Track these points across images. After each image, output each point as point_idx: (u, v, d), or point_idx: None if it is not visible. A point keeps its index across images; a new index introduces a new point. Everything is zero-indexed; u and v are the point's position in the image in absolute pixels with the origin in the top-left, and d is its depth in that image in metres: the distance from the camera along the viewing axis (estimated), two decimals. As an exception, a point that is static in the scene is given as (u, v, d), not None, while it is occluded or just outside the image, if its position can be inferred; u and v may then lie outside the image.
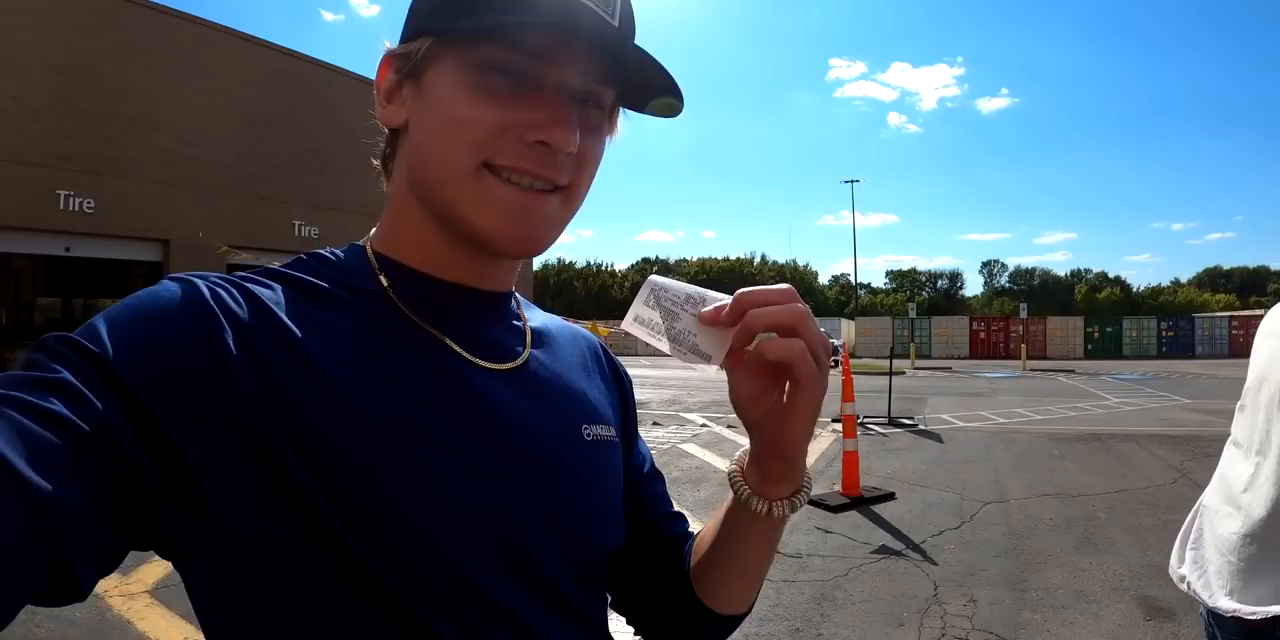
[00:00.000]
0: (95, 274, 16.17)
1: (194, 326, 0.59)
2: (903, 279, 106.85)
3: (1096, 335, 44.59)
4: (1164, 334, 43.78)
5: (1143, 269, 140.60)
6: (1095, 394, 18.87)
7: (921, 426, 12.38)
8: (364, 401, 0.62)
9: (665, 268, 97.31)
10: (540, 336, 0.85)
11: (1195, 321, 44.10)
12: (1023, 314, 45.49)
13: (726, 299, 0.71)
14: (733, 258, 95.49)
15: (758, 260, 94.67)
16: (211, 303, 0.61)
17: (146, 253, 15.61)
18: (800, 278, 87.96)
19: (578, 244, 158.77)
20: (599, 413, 0.84)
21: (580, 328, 0.96)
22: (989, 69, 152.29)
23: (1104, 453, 9.76)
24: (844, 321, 48.24)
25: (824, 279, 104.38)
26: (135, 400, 0.54)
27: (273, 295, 0.66)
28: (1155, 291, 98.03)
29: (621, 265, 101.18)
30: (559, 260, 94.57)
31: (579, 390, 0.83)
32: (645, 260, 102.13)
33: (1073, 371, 29.14)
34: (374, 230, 0.79)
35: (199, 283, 0.63)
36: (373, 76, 0.78)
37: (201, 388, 0.56)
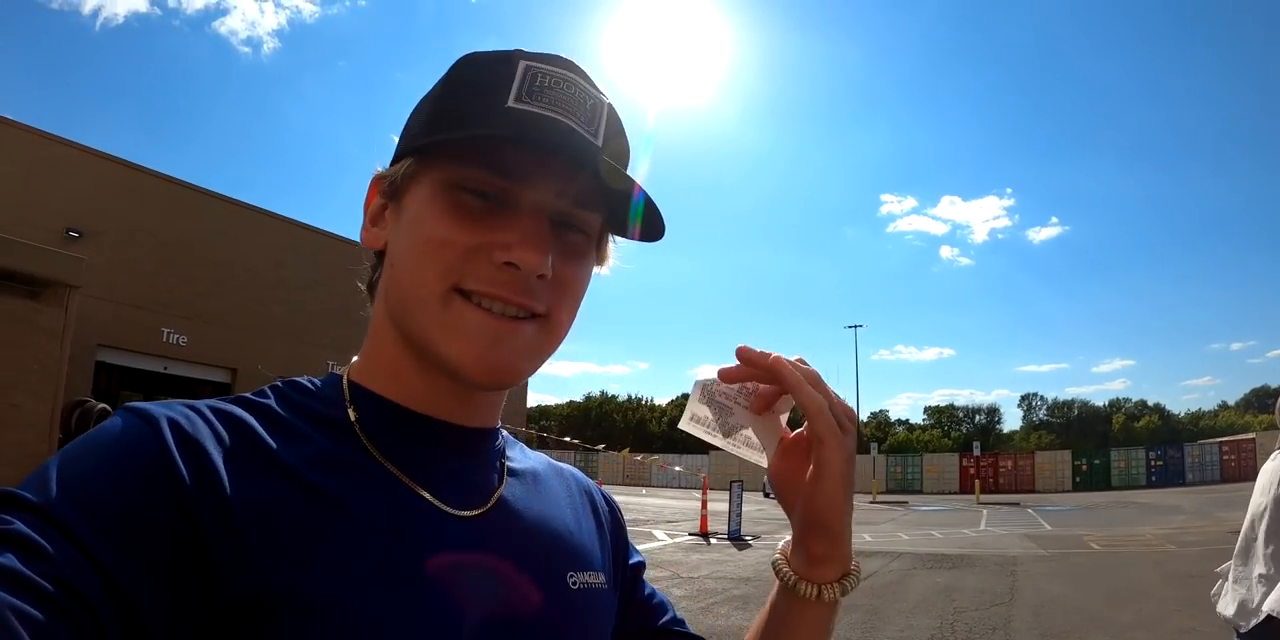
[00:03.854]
0: (182, 387, 21.48)
1: (149, 467, 0.54)
2: (940, 414, 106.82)
3: (1084, 468, 45.23)
4: (1153, 464, 43.54)
5: (1204, 392, 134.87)
6: (983, 521, 22.54)
7: (750, 540, 16.17)
8: (313, 547, 0.57)
9: None
10: (521, 477, 0.79)
11: (1184, 450, 44.10)
12: (976, 451, 47.12)
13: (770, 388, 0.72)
14: None
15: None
16: (167, 436, 0.56)
17: (220, 376, 20.97)
18: None
19: (633, 375, 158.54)
20: (587, 558, 0.78)
21: (571, 468, 0.92)
22: (1037, 199, 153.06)
23: (923, 568, 12.62)
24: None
25: (863, 416, 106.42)
26: (87, 550, 0.48)
27: (231, 427, 0.61)
28: (1195, 417, 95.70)
29: (662, 400, 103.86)
30: (602, 392, 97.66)
31: (564, 534, 0.77)
32: (685, 395, 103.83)
33: (1017, 504, 31.81)
34: (355, 358, 0.75)
35: (156, 415, 0.58)
36: None
37: (148, 529, 0.51)
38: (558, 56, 0.71)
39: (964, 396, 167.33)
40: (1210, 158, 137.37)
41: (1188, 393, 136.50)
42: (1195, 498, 29.34)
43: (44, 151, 17.29)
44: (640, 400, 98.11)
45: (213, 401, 0.64)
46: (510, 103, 0.67)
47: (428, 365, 0.69)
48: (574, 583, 0.74)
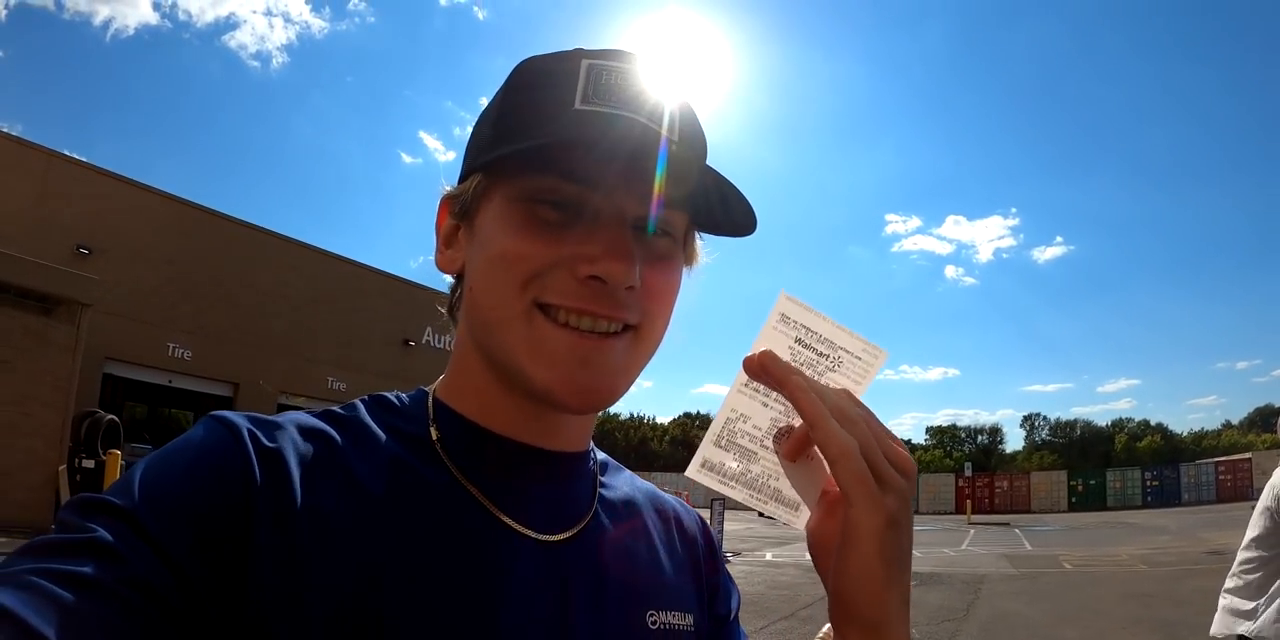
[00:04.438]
0: (186, 400, 22.13)
1: (229, 476, 0.55)
2: (942, 435, 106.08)
3: (1080, 488, 44.89)
4: (1148, 484, 43.07)
5: (1210, 412, 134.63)
6: (967, 540, 22.78)
7: (729, 556, 16.17)
8: (380, 565, 0.57)
9: (705, 422, 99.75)
10: (613, 505, 0.76)
11: (1180, 469, 43.54)
12: (967, 471, 47.07)
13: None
14: None
15: None
16: (250, 448, 0.57)
17: (222, 390, 21.66)
18: None
19: (638, 394, 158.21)
20: (673, 597, 0.73)
21: (676, 500, 0.87)
22: (1042, 218, 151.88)
23: None
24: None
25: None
26: (166, 554, 0.50)
27: (313, 441, 0.61)
28: (1198, 436, 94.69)
29: (665, 418, 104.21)
30: (604, 410, 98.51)
31: (651, 570, 0.73)
32: (687, 414, 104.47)
33: (1007, 524, 31.88)
34: (442, 376, 0.74)
35: (239, 425, 0.59)
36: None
37: (228, 544, 0.52)
38: (619, 51, 0.67)
39: (969, 416, 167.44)
40: (1214, 176, 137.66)
41: (1193, 412, 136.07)
42: (1186, 518, 29.54)
43: (56, 171, 18.02)
44: (643, 419, 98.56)
45: (297, 415, 0.65)
46: (577, 105, 0.63)
47: (512, 386, 0.66)
48: (654, 622, 0.70)
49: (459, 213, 0.70)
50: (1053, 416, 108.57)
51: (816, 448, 0.59)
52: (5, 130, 18.06)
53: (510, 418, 0.69)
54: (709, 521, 0.69)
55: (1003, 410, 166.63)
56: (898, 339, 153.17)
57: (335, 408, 0.69)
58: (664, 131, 0.65)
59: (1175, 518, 30.38)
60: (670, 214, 0.66)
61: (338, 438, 0.63)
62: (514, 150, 0.61)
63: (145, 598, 0.48)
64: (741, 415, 0.62)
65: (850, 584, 0.57)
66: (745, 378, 0.62)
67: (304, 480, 0.58)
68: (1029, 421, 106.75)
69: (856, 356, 0.64)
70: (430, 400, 0.71)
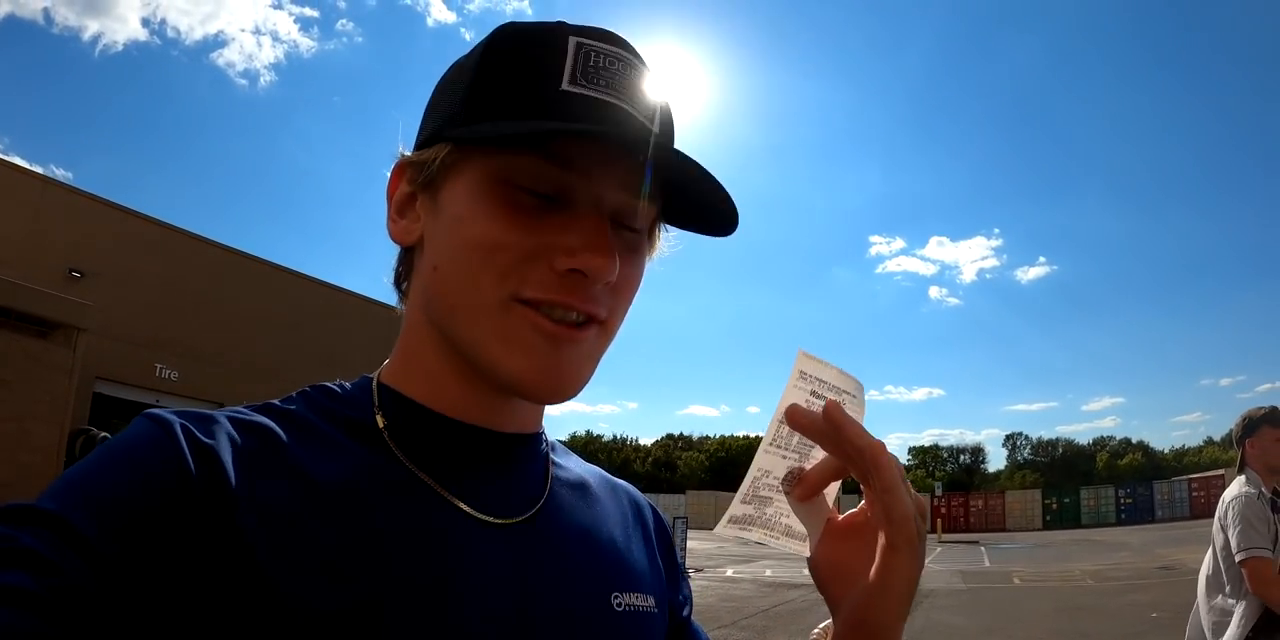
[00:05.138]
0: None
1: (160, 470, 0.53)
2: (925, 455, 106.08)
3: (1054, 507, 45.40)
4: (1122, 502, 43.76)
5: (1194, 428, 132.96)
6: (931, 557, 23.13)
7: (691, 572, 16.57)
8: (331, 556, 0.55)
9: (687, 444, 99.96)
10: (569, 488, 0.74)
11: (1154, 487, 44.15)
12: (938, 491, 47.39)
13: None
14: (751, 436, 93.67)
15: None
16: (183, 442, 0.54)
17: (208, 409, 22.24)
18: None
19: (621, 415, 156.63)
20: (635, 578, 0.72)
21: (627, 484, 0.86)
22: (1025, 238, 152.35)
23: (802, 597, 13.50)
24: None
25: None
26: (100, 557, 0.48)
27: (250, 433, 0.59)
28: (1180, 453, 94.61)
29: (647, 440, 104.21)
30: (588, 432, 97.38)
31: (612, 552, 0.72)
32: (669, 435, 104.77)
33: (976, 542, 32.34)
34: (387, 360, 0.72)
35: (173, 422, 0.56)
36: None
37: (165, 537, 0.50)
38: (605, 31, 0.64)
39: (954, 436, 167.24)
40: (1195, 194, 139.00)
41: (1178, 429, 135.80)
42: (1151, 535, 30.00)
43: (49, 197, 18.72)
44: (625, 440, 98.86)
45: (234, 409, 0.62)
46: (564, 85, 0.60)
47: (468, 370, 0.64)
48: (619, 604, 0.68)
49: (421, 182, 0.66)
50: (1036, 435, 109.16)
51: (829, 489, 0.67)
52: None
53: (462, 400, 0.67)
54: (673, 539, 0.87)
55: (988, 430, 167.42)
56: (882, 360, 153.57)
57: (274, 400, 0.66)
58: (646, 121, 0.64)
59: (1141, 534, 30.79)
60: (642, 205, 0.64)
61: (277, 428, 0.61)
62: (497, 133, 0.59)
63: (78, 604, 0.46)
64: (766, 472, 0.64)
65: (878, 617, 0.60)
66: (772, 437, 0.64)
67: (242, 473, 0.56)
68: (1011, 441, 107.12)
69: (853, 395, 0.67)
70: (375, 385, 0.69)
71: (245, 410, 0.63)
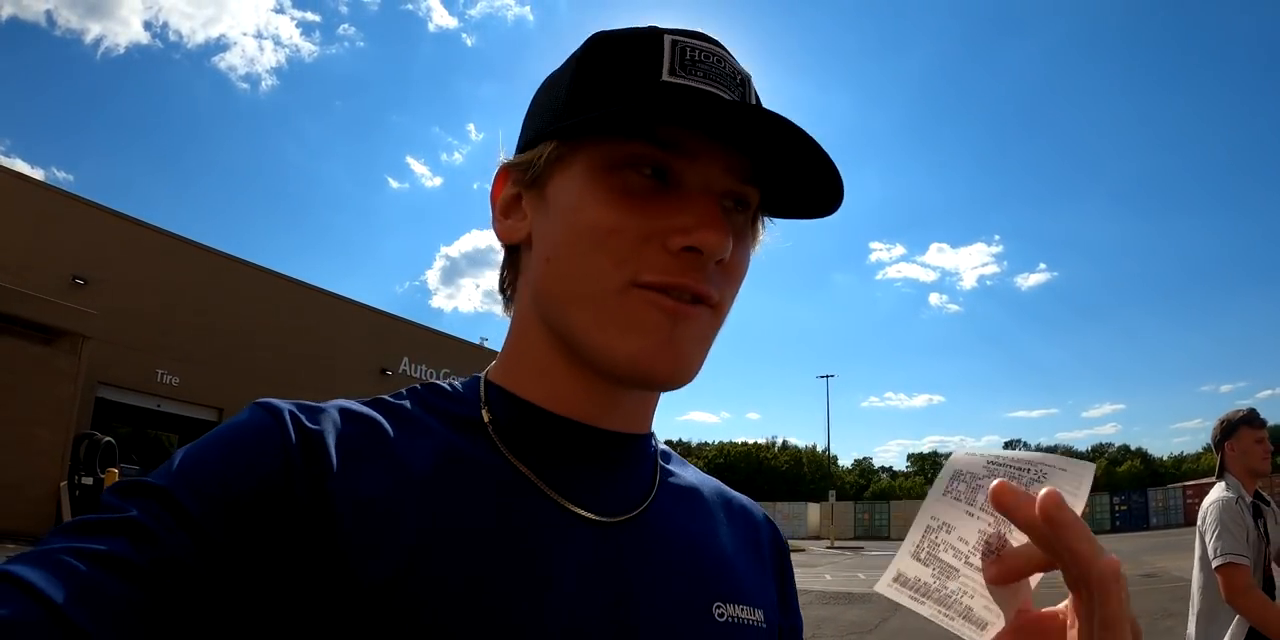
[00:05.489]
0: (172, 423, 22.93)
1: (266, 455, 0.54)
2: (923, 461, 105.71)
3: None
4: (1117, 509, 43.19)
5: (1195, 435, 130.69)
6: (831, 566, 24.11)
7: None
8: (427, 546, 0.55)
9: (685, 450, 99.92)
10: (676, 490, 0.73)
11: (1149, 494, 43.80)
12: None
13: (1024, 540, 0.50)
14: (750, 442, 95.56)
15: (778, 444, 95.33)
16: (290, 429, 0.56)
17: (207, 414, 22.63)
18: (819, 463, 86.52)
19: None
20: (742, 590, 0.69)
21: (745, 498, 0.82)
22: (1026, 245, 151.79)
23: (819, 603, 13.69)
24: (809, 505, 52.32)
25: (845, 463, 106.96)
26: (203, 533, 0.49)
27: (356, 424, 0.60)
28: (1178, 460, 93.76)
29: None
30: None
31: (716, 559, 0.69)
32: (669, 442, 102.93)
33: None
34: (495, 360, 0.72)
35: (282, 409, 0.58)
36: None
37: (264, 519, 0.52)
38: (700, 32, 0.65)
39: (954, 443, 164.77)
40: (1194, 201, 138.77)
41: (1179, 435, 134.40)
42: (1142, 542, 30.00)
43: (54, 205, 19.13)
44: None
45: (345, 401, 0.64)
46: (665, 77, 0.61)
47: (578, 366, 0.64)
48: (721, 615, 0.65)
49: (526, 181, 0.67)
50: (1035, 442, 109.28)
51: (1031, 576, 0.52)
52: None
53: (571, 397, 0.66)
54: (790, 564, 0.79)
55: (988, 436, 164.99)
56: (883, 366, 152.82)
57: (385, 395, 0.67)
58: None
59: (1133, 542, 30.90)
60: (746, 189, 0.64)
61: (383, 421, 0.62)
62: (605, 114, 0.59)
63: (176, 576, 0.47)
64: (944, 524, 0.53)
65: None
66: (947, 483, 0.53)
67: (346, 461, 0.57)
68: (1010, 448, 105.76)
69: (1062, 469, 0.51)
70: (483, 384, 0.69)
71: (354, 402, 0.64)
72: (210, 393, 22.20)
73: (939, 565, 0.54)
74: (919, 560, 0.54)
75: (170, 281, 21.28)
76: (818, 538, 47.76)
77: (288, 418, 0.58)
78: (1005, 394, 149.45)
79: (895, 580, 0.55)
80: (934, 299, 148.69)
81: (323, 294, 27.00)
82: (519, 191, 0.69)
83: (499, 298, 0.74)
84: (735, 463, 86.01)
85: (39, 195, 18.93)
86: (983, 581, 0.53)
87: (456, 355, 32.88)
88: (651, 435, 0.75)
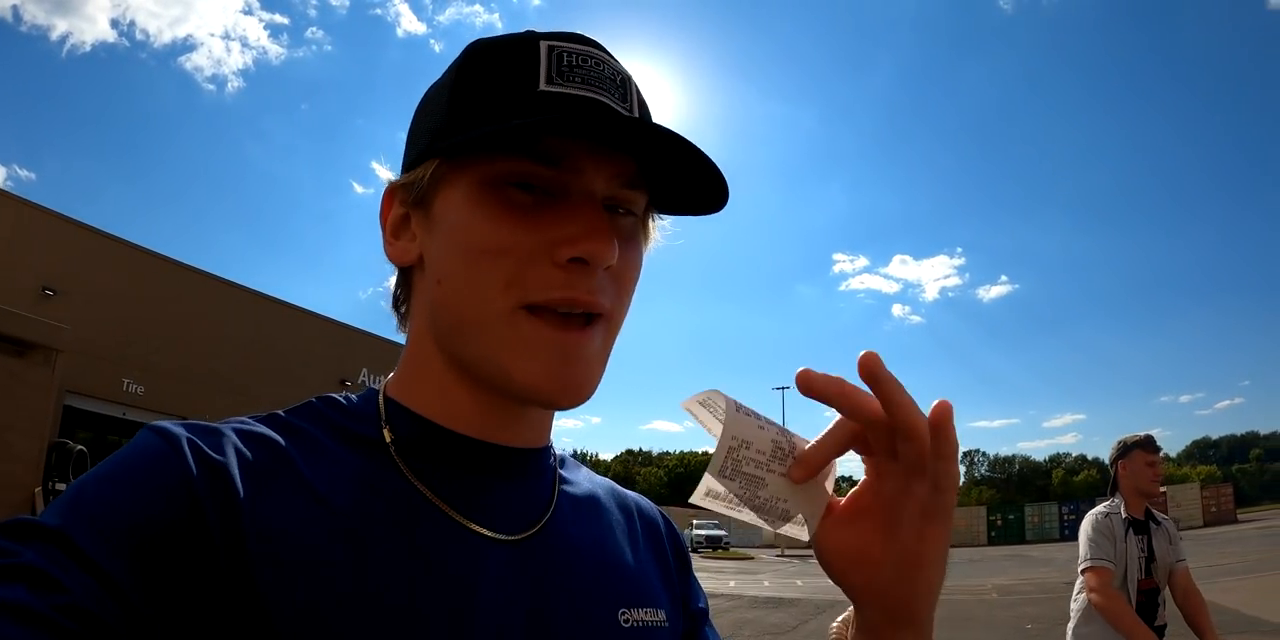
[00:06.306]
0: (135, 430, 23.68)
1: (168, 486, 0.52)
2: None
3: (999, 523, 46.13)
4: (1065, 518, 43.97)
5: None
6: (773, 573, 24.58)
7: None
8: (336, 575, 0.54)
9: (647, 459, 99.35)
10: (575, 501, 0.73)
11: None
12: None
13: (809, 443, 0.59)
14: (710, 452, 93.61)
15: None
16: (189, 457, 0.54)
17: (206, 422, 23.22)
18: None
19: (584, 430, 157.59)
20: (644, 593, 0.71)
21: (638, 496, 0.85)
22: (988, 257, 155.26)
23: (746, 608, 14.42)
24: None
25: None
26: (104, 575, 0.47)
27: (257, 447, 0.58)
28: None
29: (607, 455, 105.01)
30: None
31: (619, 567, 0.71)
32: (629, 451, 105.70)
33: None
34: (392, 373, 0.71)
35: (176, 434, 0.56)
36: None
37: (170, 556, 0.50)
38: (577, 34, 0.66)
39: None
40: (1153, 214, 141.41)
41: None
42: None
43: (24, 217, 19.50)
44: (585, 455, 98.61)
45: (240, 420, 0.62)
46: (542, 86, 0.61)
47: (476, 384, 0.64)
48: (626, 621, 0.67)
49: (413, 200, 0.66)
50: (994, 452, 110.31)
51: (827, 468, 0.59)
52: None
53: (470, 414, 0.66)
54: (687, 548, 0.84)
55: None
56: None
57: (279, 411, 0.65)
58: (626, 112, 0.63)
59: (1074, 550, 31.93)
60: (634, 194, 0.64)
61: (282, 442, 0.60)
62: (483, 133, 0.57)
63: (79, 622, 0.45)
64: (744, 442, 0.57)
65: (911, 598, 0.57)
66: (736, 405, 0.57)
67: (249, 488, 0.55)
68: (968, 458, 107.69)
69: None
70: (381, 399, 0.68)
71: (250, 421, 0.62)
72: (175, 402, 22.54)
73: (745, 479, 0.57)
74: (726, 476, 0.56)
75: (138, 293, 21.69)
76: (771, 546, 48.24)
77: (185, 444, 0.55)
78: (967, 404, 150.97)
79: (707, 494, 0.57)
80: (897, 310, 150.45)
81: (284, 306, 27.47)
82: (406, 212, 0.68)
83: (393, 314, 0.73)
84: (695, 472, 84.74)
85: (9, 207, 19.29)
86: (787, 484, 0.57)
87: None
88: (549, 447, 0.75)
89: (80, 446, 15.07)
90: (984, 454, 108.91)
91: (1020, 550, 36.32)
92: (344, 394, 0.70)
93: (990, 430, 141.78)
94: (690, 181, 0.65)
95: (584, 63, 0.63)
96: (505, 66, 0.63)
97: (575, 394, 0.62)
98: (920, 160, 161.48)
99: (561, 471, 0.76)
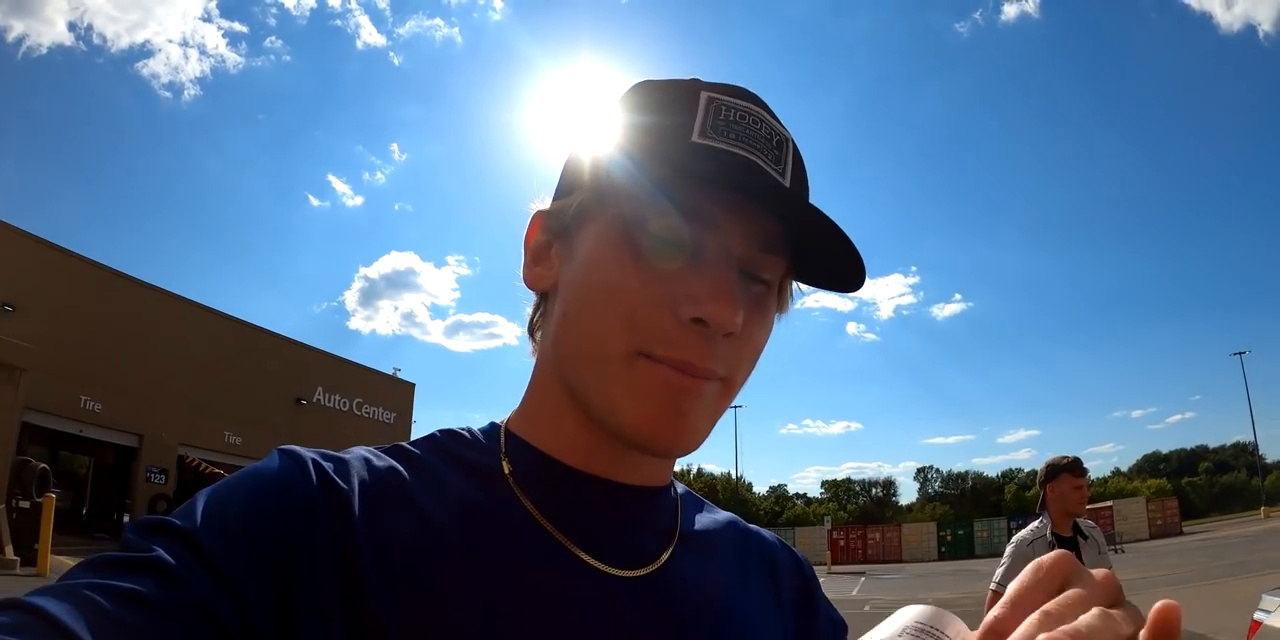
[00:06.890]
0: (94, 448, 23.21)
1: (290, 501, 0.55)
2: (837, 488, 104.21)
3: (949, 538, 46.46)
4: (1013, 532, 43.54)
5: (1107, 459, 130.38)
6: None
7: None
8: (448, 598, 0.55)
9: None
10: (692, 538, 0.72)
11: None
12: (827, 524, 49.25)
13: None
14: (678, 470, 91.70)
15: (693, 472, 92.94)
16: (313, 477, 0.56)
17: (128, 440, 23.16)
18: (734, 489, 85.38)
19: None
20: (754, 634, 0.70)
21: (763, 532, 0.83)
22: (941, 276, 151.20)
23: None
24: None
25: (760, 489, 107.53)
26: (226, 578, 0.49)
27: (379, 474, 0.60)
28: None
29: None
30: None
31: (733, 610, 0.69)
32: None
33: (863, 573, 33.82)
34: (516, 406, 0.72)
35: (305, 457, 0.59)
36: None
37: (291, 566, 0.52)
38: (740, 88, 0.66)
39: (872, 469, 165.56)
40: (1104, 232, 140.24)
41: (1092, 460, 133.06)
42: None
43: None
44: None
45: (364, 450, 0.64)
46: (695, 137, 0.61)
47: (590, 420, 0.63)
48: None
49: (556, 229, 0.67)
50: (948, 469, 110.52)
51: None
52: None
53: (588, 450, 0.66)
54: (817, 584, 0.82)
55: (905, 462, 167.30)
56: (800, 394, 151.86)
57: (405, 443, 0.67)
58: (776, 174, 0.63)
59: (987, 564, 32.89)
60: (769, 259, 0.63)
61: (404, 471, 0.62)
62: (629, 179, 0.60)
63: (198, 618, 0.47)
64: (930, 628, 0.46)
65: None
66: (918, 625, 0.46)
67: (369, 511, 0.57)
68: (922, 474, 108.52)
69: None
70: (503, 432, 0.69)
71: (375, 450, 0.65)
72: (132, 419, 22.67)
73: None
74: None
75: (95, 309, 21.78)
76: (819, 564, 48.64)
77: (310, 466, 0.58)
78: (922, 421, 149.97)
79: None
80: (851, 328, 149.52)
81: (241, 324, 27.68)
82: (550, 240, 0.68)
83: (528, 338, 0.73)
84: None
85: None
86: None
87: (370, 385, 33.12)
88: (671, 485, 0.74)
89: (43, 465, 15.22)
90: (937, 470, 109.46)
91: (968, 565, 36.69)
92: (466, 427, 0.71)
93: (945, 446, 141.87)
94: (827, 256, 0.64)
95: (742, 119, 0.63)
96: (664, 111, 0.64)
97: (682, 444, 0.62)
98: (875, 180, 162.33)
99: (684, 511, 0.75)
